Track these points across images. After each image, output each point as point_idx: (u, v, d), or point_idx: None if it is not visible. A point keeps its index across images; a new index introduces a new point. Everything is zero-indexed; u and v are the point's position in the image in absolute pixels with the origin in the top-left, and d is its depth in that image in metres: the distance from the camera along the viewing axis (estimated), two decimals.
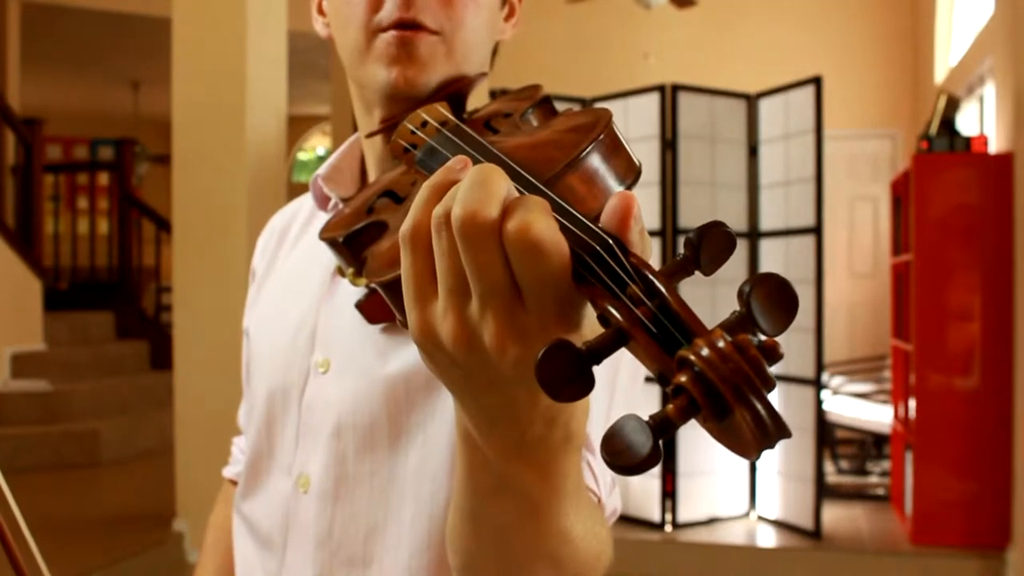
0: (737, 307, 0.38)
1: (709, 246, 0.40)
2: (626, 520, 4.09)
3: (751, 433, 0.34)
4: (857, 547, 3.88)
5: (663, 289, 0.39)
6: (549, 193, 0.45)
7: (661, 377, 0.37)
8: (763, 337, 0.37)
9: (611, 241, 0.41)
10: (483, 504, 0.53)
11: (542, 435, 0.47)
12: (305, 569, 0.80)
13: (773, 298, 0.38)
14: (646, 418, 0.36)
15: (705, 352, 0.35)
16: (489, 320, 0.41)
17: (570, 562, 0.56)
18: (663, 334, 0.38)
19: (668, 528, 4.02)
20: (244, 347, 0.94)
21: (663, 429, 0.36)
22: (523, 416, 0.46)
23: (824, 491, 4.02)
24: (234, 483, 1.00)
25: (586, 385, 0.38)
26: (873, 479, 4.97)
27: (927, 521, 3.84)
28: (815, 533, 3.87)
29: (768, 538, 4.00)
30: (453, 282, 0.42)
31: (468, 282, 0.41)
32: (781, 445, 4.00)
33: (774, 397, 0.36)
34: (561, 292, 0.41)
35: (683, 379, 0.36)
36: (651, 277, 0.39)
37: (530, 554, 0.55)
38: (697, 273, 0.40)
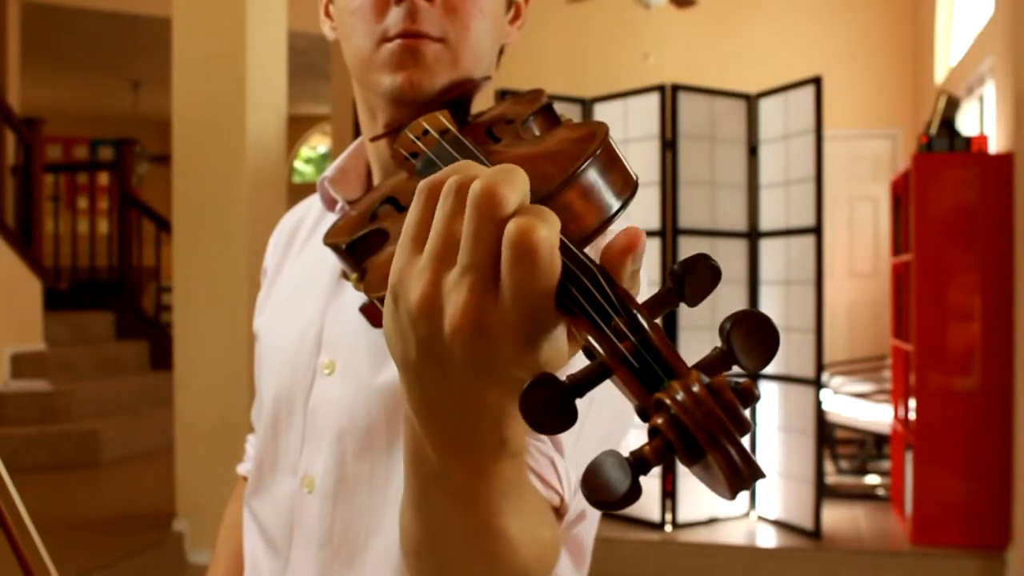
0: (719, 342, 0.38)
1: (693, 278, 0.40)
2: (626, 520, 4.09)
3: (724, 476, 0.35)
4: (857, 547, 3.88)
5: (646, 325, 0.39)
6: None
7: (641, 413, 0.38)
8: (740, 379, 0.37)
9: (597, 272, 0.41)
10: (423, 490, 0.53)
11: (475, 432, 0.47)
12: (308, 569, 0.80)
13: (754, 335, 0.38)
14: (626, 455, 0.37)
15: (680, 396, 0.36)
16: (461, 294, 0.41)
17: (506, 562, 0.56)
18: (644, 370, 0.38)
19: (668, 528, 4.02)
20: (256, 348, 0.95)
21: (641, 467, 0.37)
22: (460, 409, 0.46)
23: (824, 491, 4.02)
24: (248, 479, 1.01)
25: (569, 418, 0.38)
26: (873, 479, 4.98)
27: (927, 521, 3.84)
28: (815, 533, 3.87)
29: (768, 538, 4.00)
30: (441, 246, 0.42)
31: (455, 252, 0.42)
32: (781, 445, 4.03)
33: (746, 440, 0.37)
34: (537, 307, 0.40)
35: (659, 421, 0.36)
36: (635, 311, 0.40)
37: (465, 548, 0.55)
38: None
